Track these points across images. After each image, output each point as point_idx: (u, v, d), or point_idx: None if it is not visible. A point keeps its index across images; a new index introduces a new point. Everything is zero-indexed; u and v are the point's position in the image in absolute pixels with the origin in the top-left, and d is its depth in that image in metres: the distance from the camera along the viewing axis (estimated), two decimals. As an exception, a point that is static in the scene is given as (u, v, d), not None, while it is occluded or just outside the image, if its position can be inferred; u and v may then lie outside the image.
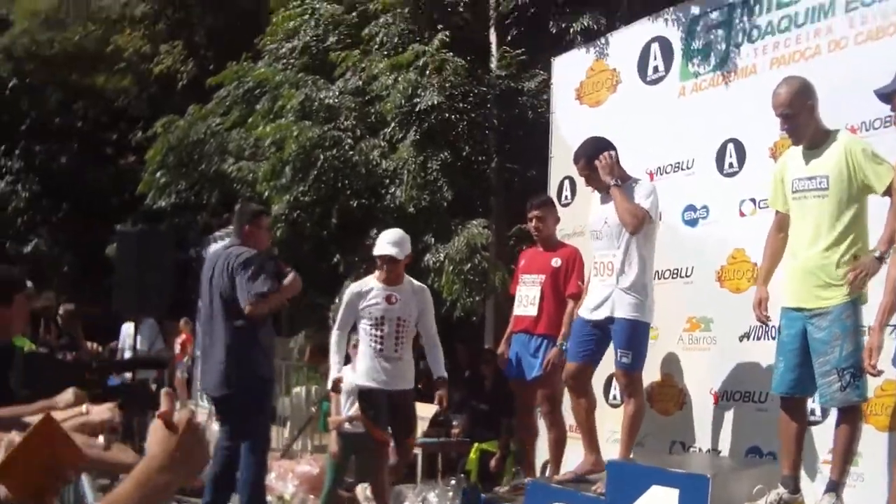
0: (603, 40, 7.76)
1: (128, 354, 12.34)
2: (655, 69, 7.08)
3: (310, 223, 11.63)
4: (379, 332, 6.53)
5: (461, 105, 11.03)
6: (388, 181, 11.17)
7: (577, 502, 5.73)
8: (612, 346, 5.90)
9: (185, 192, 15.06)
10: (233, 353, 6.17)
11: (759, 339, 5.97)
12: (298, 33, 13.33)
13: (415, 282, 6.89)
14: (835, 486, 4.85)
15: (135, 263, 9.95)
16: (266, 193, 11.59)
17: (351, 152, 11.22)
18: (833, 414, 5.15)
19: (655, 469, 5.39)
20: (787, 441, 5.08)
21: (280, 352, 11.17)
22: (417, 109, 10.68)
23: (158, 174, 14.72)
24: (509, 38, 11.79)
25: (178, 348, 16.33)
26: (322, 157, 11.09)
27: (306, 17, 13.21)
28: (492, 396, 9.42)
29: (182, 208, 17.14)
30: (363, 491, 7.53)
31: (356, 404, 7.72)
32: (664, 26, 7.03)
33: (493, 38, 11.96)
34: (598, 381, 6.62)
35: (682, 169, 6.76)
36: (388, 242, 6.58)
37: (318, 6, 13.10)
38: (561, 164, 7.68)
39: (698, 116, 6.67)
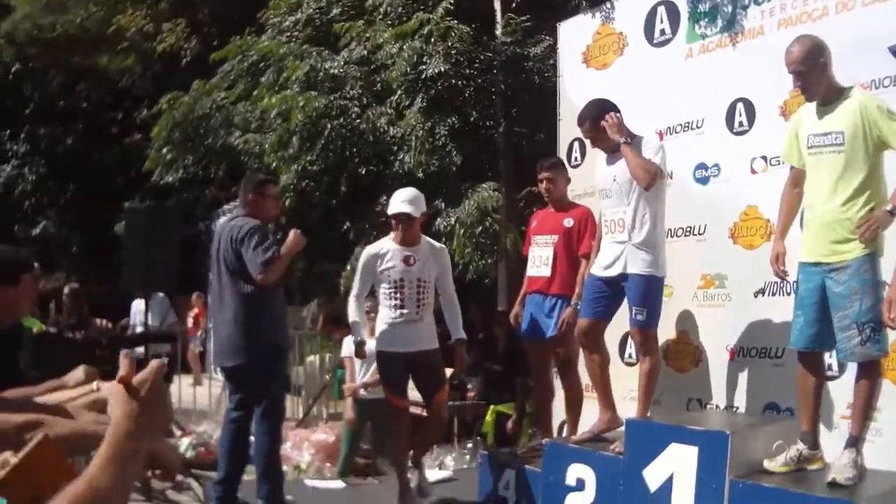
0: (609, 5, 7.71)
1: (139, 331, 12.39)
2: (662, 32, 7.05)
3: (318, 192, 11.63)
4: (399, 295, 6.30)
5: (467, 71, 11.01)
6: (396, 148, 11.16)
7: (595, 462, 5.71)
8: (625, 304, 5.89)
9: (191, 167, 15.02)
10: (241, 322, 6.12)
11: (773, 294, 5.98)
12: (301, 6, 13.27)
13: (433, 242, 6.71)
14: (855, 442, 4.82)
15: (143, 240, 9.96)
16: (274, 164, 11.57)
17: (358, 120, 11.19)
18: (850, 369, 5.14)
19: (674, 427, 5.36)
20: (805, 396, 5.06)
21: (293, 321, 11.17)
22: (423, 77, 10.64)
23: (164, 150, 14.68)
24: (514, 5, 11.74)
25: (190, 322, 16.40)
26: (329, 126, 11.07)
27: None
28: (505, 358, 9.45)
29: (189, 183, 17.12)
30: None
31: (371, 370, 7.74)
32: (670, -10, 7.01)
33: (497, 5, 11.91)
34: (613, 341, 6.63)
35: (692, 129, 6.74)
36: (402, 200, 6.34)
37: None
38: (570, 126, 7.64)
39: (706, 77, 6.64)
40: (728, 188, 6.44)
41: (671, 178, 6.43)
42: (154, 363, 1.76)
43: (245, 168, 12.58)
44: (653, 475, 5.21)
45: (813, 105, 5.01)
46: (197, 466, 8.29)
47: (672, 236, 6.41)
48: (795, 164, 5.17)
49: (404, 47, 10.89)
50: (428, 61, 10.63)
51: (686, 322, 6.58)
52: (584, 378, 6.54)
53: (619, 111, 5.96)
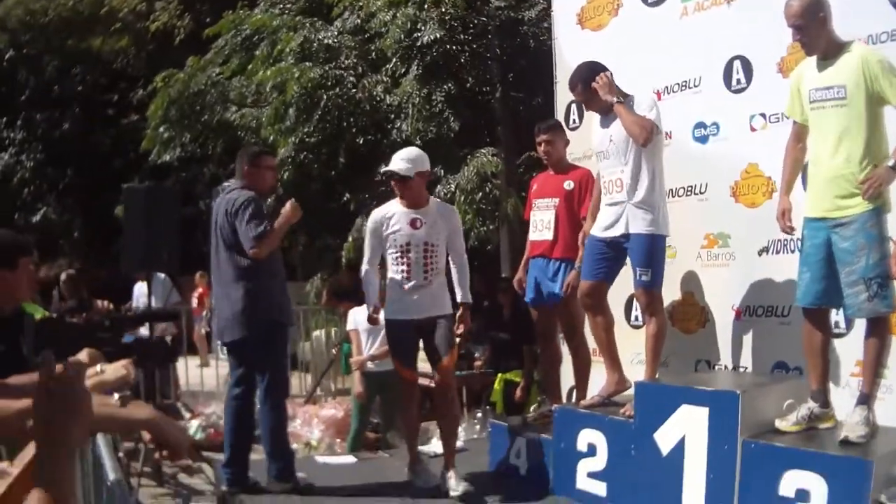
0: (601, -33, 7.61)
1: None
2: (655, -9, 6.98)
3: (317, 164, 11.59)
4: (405, 260, 6.08)
5: (462, 37, 10.93)
6: (393, 116, 11.10)
7: (605, 426, 5.69)
8: (629, 266, 5.85)
9: (189, 144, 14.99)
10: (239, 297, 6.04)
11: (778, 252, 5.94)
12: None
13: (443, 203, 6.54)
14: (866, 399, 4.78)
15: (142, 221, 9.89)
16: (271, 138, 11.53)
17: (354, 90, 11.13)
18: (857, 326, 5.09)
19: (683, 388, 5.34)
20: (813, 354, 5.02)
21: (296, 296, 11.12)
22: (418, 44, 10.56)
23: (161, 129, 14.63)
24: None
25: (195, 302, 16.34)
26: (325, 96, 11.01)
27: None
28: (511, 325, 9.40)
29: (188, 161, 17.07)
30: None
31: (377, 342, 7.70)
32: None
33: (489, -30, 11.80)
34: (618, 304, 6.59)
35: (690, 87, 6.67)
36: (396, 159, 6.15)
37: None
38: (566, 89, 7.48)
39: (702, 35, 6.56)
40: (728, 146, 6.37)
41: (670, 137, 6.41)
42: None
43: (242, 144, 12.53)
44: (664, 438, 5.20)
45: (813, 59, 4.95)
46: (207, 448, 8.27)
47: (673, 196, 6.35)
48: (798, 119, 5.12)
49: (398, 15, 10.83)
50: (422, 28, 10.56)
51: (691, 283, 6.53)
52: (591, 342, 6.50)
53: (609, 72, 5.91)
